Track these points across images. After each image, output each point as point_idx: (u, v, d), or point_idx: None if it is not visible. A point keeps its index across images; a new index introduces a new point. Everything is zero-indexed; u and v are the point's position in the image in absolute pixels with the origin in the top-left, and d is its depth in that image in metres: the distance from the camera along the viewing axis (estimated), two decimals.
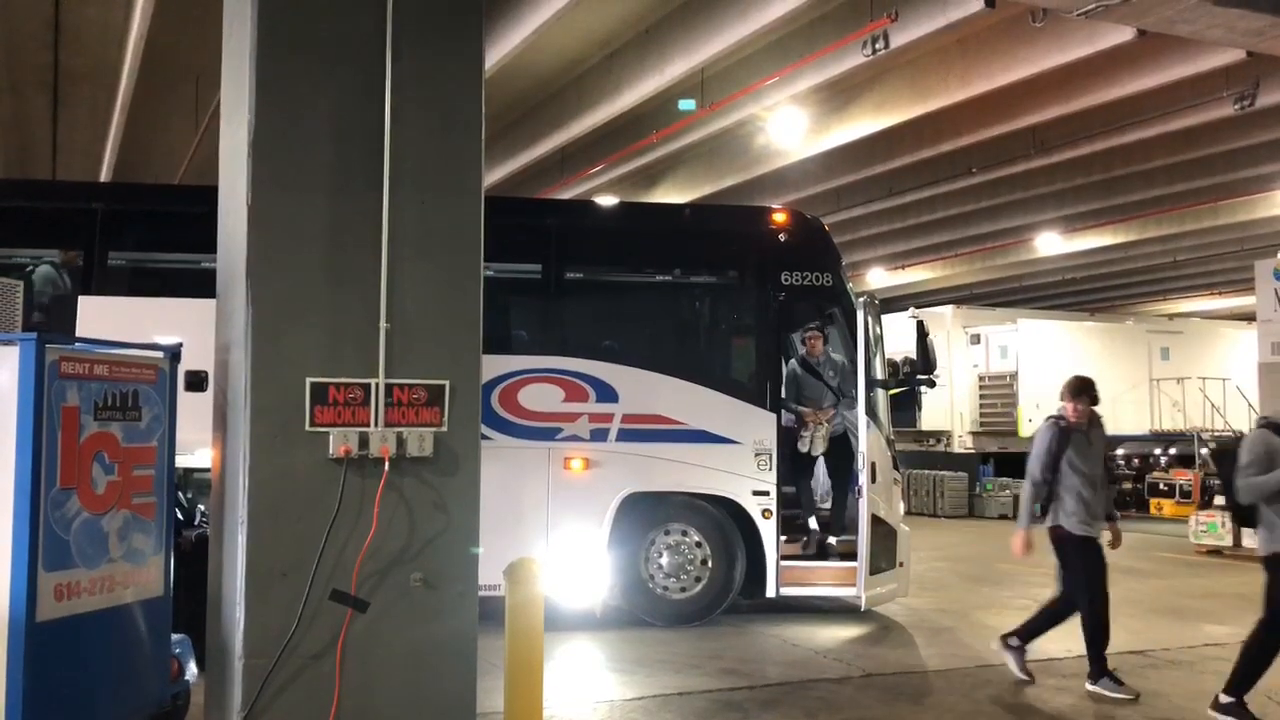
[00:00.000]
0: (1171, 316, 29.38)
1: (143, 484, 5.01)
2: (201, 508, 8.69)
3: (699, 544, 9.37)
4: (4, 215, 9.16)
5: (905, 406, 14.53)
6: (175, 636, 5.43)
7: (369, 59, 4.42)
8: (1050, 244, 23.33)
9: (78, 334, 7.72)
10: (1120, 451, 22.96)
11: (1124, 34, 11.28)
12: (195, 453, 6.16)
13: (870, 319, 9.37)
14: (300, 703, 4.17)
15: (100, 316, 8.21)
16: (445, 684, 4.38)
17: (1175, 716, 6.61)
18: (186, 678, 5.54)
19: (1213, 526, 15.37)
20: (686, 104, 13.87)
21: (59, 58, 13.88)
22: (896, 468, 10.02)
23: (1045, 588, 11.88)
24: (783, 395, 9.64)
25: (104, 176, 16.70)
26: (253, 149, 4.28)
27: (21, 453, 4.44)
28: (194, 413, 5.83)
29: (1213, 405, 21.23)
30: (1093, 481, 7.27)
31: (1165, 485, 21.25)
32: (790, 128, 15.07)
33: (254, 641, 4.15)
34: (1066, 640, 8.89)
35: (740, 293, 10.11)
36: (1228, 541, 15.08)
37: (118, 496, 4.85)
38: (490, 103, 4.87)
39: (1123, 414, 21.42)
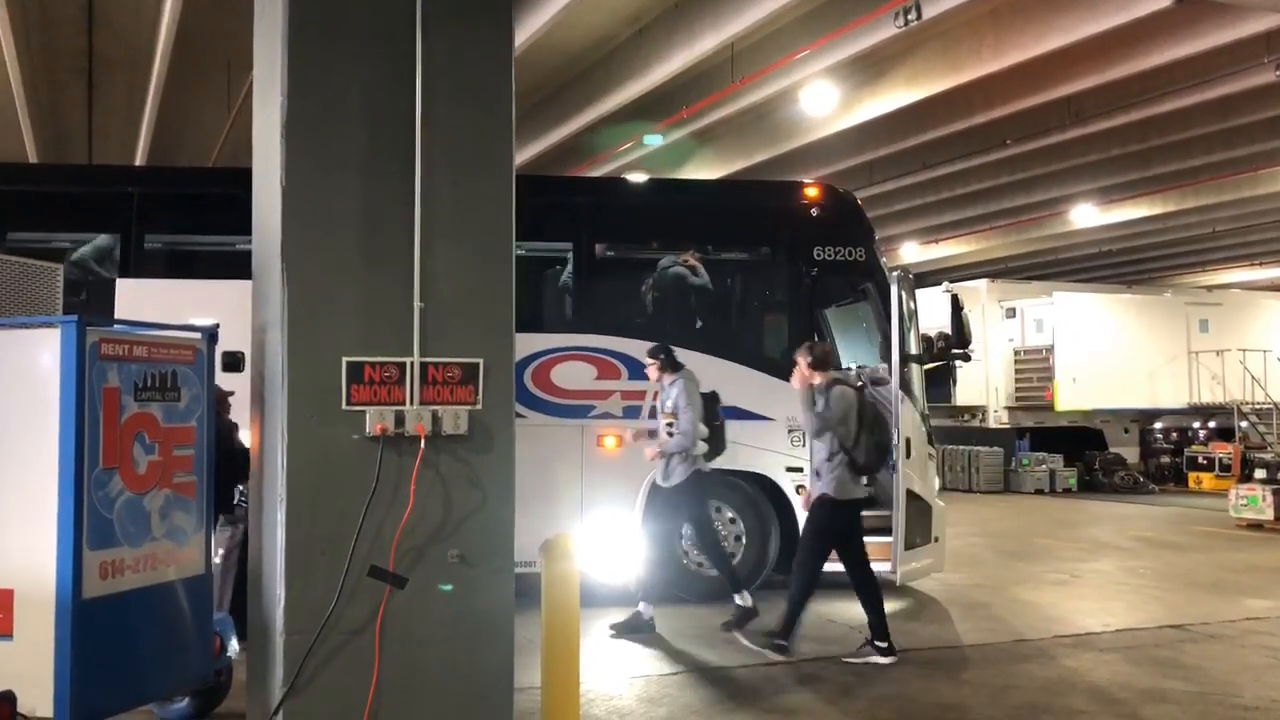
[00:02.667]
0: (1210, 288, 29.01)
1: (183, 464, 5.08)
2: (240, 487, 8.80)
3: (732, 520, 9.39)
4: (42, 200, 9.28)
5: (940, 381, 14.45)
6: (217, 614, 5.52)
7: (399, 39, 4.43)
8: (1086, 216, 23.05)
9: (116, 316, 7.83)
10: (1158, 425, 22.77)
11: (1160, 0, 11.09)
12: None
13: (904, 294, 9.31)
14: (341, 677, 4.23)
15: (138, 299, 8.32)
16: (483, 659, 4.42)
17: (1214, 690, 6.57)
18: (229, 654, 5.64)
19: (1253, 500, 15.19)
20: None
21: (93, 43, 14.00)
22: (931, 443, 9.97)
23: (1081, 562, 11.86)
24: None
25: (139, 160, 16.85)
26: (285, 131, 4.30)
27: (65, 434, 4.51)
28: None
29: (1253, 378, 20.95)
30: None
31: (1204, 459, 21.06)
32: (822, 101, 14.96)
33: (295, 617, 4.20)
34: (1104, 615, 8.86)
35: (773, 268, 10.06)
36: (1269, 515, 14.91)
37: (159, 476, 4.92)
38: (519, 81, 4.86)
39: (1161, 387, 21.23)
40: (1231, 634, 8.19)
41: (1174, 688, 6.61)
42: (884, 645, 7.18)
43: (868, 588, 7.31)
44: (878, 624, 7.21)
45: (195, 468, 5.15)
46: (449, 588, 4.36)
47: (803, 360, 7.32)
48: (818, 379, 7.28)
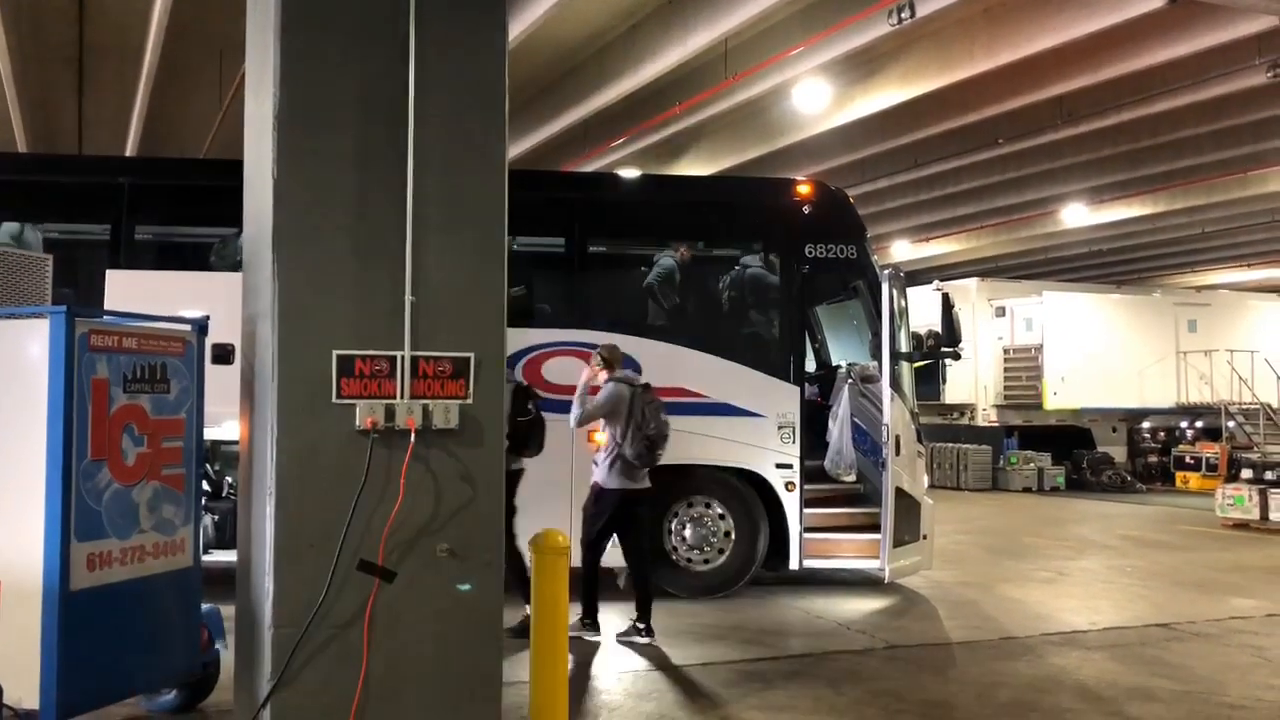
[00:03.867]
0: (1199, 289, 29.10)
1: (172, 456, 5.07)
2: (229, 480, 8.80)
3: (722, 516, 9.40)
4: (32, 190, 9.23)
5: (929, 379, 14.50)
6: (205, 606, 5.51)
7: (393, 31, 4.42)
8: (1077, 215, 23.11)
9: (106, 307, 7.80)
10: (1146, 424, 22.86)
11: (1153, 1, 11.11)
12: (223, 425, 6.24)
13: (895, 292, 9.33)
14: (329, 671, 4.23)
15: (128, 290, 8.29)
16: (472, 652, 4.42)
17: (1200, 688, 6.60)
18: (216, 647, 5.63)
19: (1240, 500, 15.27)
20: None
21: (84, 33, 13.93)
22: (920, 440, 10.00)
23: (1069, 560, 11.90)
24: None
25: (130, 151, 16.78)
26: (277, 122, 4.29)
27: (53, 425, 4.50)
28: (222, 385, 5.90)
29: (1240, 378, 21.04)
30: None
31: (1192, 458, 21.16)
32: (814, 99, 14.95)
33: (283, 611, 4.20)
34: (1091, 613, 8.90)
35: (764, 265, 10.07)
36: (1255, 515, 14.99)
37: (147, 468, 4.92)
38: (513, 75, 4.85)
39: (1149, 387, 21.31)
40: (1217, 633, 8.24)
41: (1160, 686, 6.65)
42: (643, 626, 7.57)
43: (640, 576, 7.73)
44: (644, 608, 7.60)
45: (184, 460, 5.15)
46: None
47: (595, 358, 7.88)
48: (603, 376, 7.75)
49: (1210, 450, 20.87)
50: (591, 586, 7.68)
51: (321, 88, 4.38)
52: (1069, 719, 5.97)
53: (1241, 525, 15.02)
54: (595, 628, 7.66)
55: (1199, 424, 22.59)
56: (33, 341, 4.58)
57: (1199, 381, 21.41)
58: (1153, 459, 22.73)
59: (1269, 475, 15.46)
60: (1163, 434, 22.97)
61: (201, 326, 5.31)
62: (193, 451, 5.20)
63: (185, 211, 9.52)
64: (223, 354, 6.98)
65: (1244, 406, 20.98)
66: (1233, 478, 16.76)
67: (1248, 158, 18.56)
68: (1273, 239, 25.75)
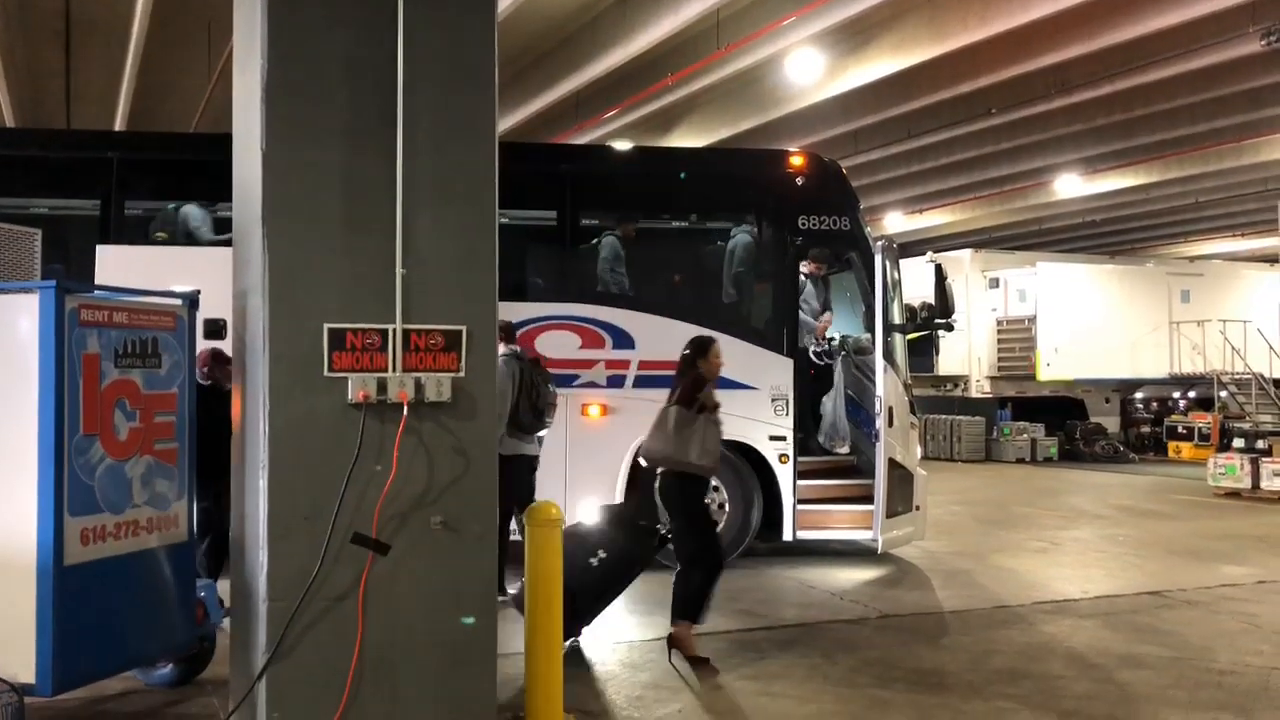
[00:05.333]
0: (1192, 259, 29.13)
1: (164, 430, 5.07)
2: None
3: (716, 488, 9.42)
4: (20, 164, 9.18)
5: (923, 351, 14.50)
6: (200, 581, 5.53)
7: (381, 2, 4.38)
8: (1070, 186, 23.08)
9: (96, 282, 7.78)
10: (1139, 394, 22.93)
11: None
12: None
13: (888, 263, 9.32)
14: (324, 644, 4.24)
15: (119, 265, 8.27)
16: (466, 625, 4.43)
17: (1190, 655, 6.66)
18: (212, 620, 5.65)
19: (1231, 469, 15.35)
20: None
21: (70, 6, 13.80)
22: (914, 412, 10.02)
23: (1061, 530, 11.96)
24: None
25: (118, 125, 16.67)
26: (266, 96, 4.25)
27: (44, 400, 4.50)
28: None
29: (1233, 348, 21.09)
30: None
31: (1184, 428, 21.25)
32: (807, 69, 14.88)
33: (278, 584, 4.20)
34: (1083, 582, 8.96)
35: (757, 237, 10.05)
36: (1246, 484, 15.08)
37: (140, 443, 4.92)
38: (503, 47, 4.82)
39: (1142, 357, 21.36)
40: (1207, 600, 8.30)
41: (1150, 653, 6.70)
42: (503, 599, 7.24)
43: (506, 540, 7.63)
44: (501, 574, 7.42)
45: (177, 434, 5.15)
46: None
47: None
48: (502, 349, 7.73)
49: (1203, 420, 20.95)
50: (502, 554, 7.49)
51: (310, 59, 4.33)
52: (1061, 686, 6.02)
53: (1233, 494, 15.11)
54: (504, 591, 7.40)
55: (1191, 394, 22.67)
56: (23, 317, 4.57)
57: (1192, 351, 21.47)
58: (1145, 429, 22.82)
59: (1260, 444, 15.55)
60: (1155, 404, 23.05)
61: (193, 301, 5.30)
62: (185, 426, 5.20)
63: (175, 186, 9.47)
64: (214, 329, 6.97)
65: (1236, 376, 21.04)
66: (1225, 447, 16.84)
67: (1241, 126, 18.53)
68: (1266, 208, 25.72)
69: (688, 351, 6.76)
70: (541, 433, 8.15)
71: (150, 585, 5.03)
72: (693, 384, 6.56)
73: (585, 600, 6.51)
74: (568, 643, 6.49)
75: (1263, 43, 13.17)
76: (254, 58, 4.34)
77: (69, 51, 14.99)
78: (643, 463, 6.81)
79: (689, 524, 6.58)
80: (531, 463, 8.08)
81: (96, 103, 16.34)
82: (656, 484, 6.64)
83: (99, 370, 4.70)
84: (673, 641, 6.45)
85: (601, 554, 6.64)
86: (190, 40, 14.27)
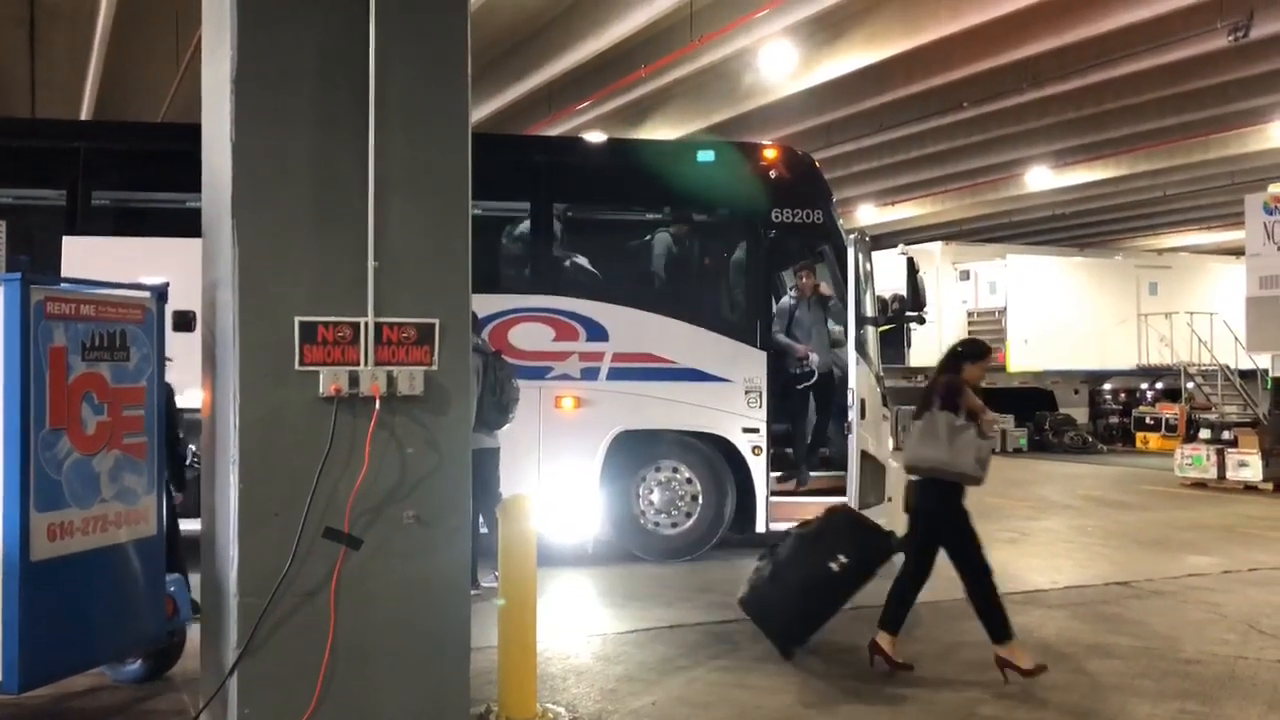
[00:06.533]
0: (1160, 251, 29.39)
1: (133, 424, 5.02)
2: (192, 448, 8.71)
3: (689, 480, 9.44)
4: None
5: (894, 343, 14.57)
6: (170, 575, 5.48)
7: None
8: (1040, 179, 23.24)
9: (62, 274, 7.67)
10: (1108, 386, 23.15)
11: None
12: (184, 393, 6.17)
13: (860, 256, 9.34)
14: (296, 639, 4.21)
15: (85, 257, 8.16)
16: (440, 619, 4.42)
17: (1157, 644, 6.73)
18: (182, 616, 5.60)
19: (1198, 460, 15.54)
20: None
21: None
22: (886, 404, 10.06)
23: (1031, 520, 12.05)
24: (774, 330, 9.65)
25: (84, 114, 16.45)
26: (236, 85, 4.20)
27: (9, 394, 4.44)
28: (183, 353, 5.83)
29: (1200, 340, 21.33)
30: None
31: (1152, 419, 21.49)
32: (780, 62, 14.89)
33: (248, 580, 4.17)
34: (1053, 573, 9.04)
35: (730, 230, 10.05)
36: (1212, 474, 15.27)
37: (108, 437, 4.86)
38: (475, 37, 4.79)
39: (1111, 349, 21.56)
40: (1174, 590, 8.40)
41: (1119, 643, 6.77)
42: (476, 591, 7.21)
43: (475, 533, 7.41)
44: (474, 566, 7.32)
45: (146, 428, 5.09)
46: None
47: None
48: None
49: (1170, 411, 21.19)
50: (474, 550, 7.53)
51: (280, 49, 4.29)
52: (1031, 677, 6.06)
53: (1199, 484, 15.29)
54: (477, 585, 7.39)
55: (1159, 385, 22.91)
56: None
57: (1159, 343, 21.69)
58: (1114, 420, 23.06)
59: (1226, 435, 15.74)
60: (1124, 395, 23.28)
61: (161, 293, 5.24)
62: (154, 420, 5.14)
63: (142, 176, 9.36)
64: (184, 321, 6.90)
65: (1203, 368, 21.28)
66: (1191, 438, 17.04)
67: (1209, 121, 18.71)
68: (1232, 201, 25.93)
69: (959, 350, 6.36)
70: (504, 427, 8.12)
71: (119, 581, 4.98)
72: (952, 388, 6.13)
73: (822, 603, 6.35)
74: (787, 648, 6.34)
75: (1230, 38, 13.29)
76: (223, 47, 4.29)
77: (33, 39, 14.77)
78: (911, 475, 6.30)
79: (959, 534, 6.19)
80: (494, 456, 8.04)
81: (61, 91, 16.10)
82: (914, 492, 6.25)
83: (66, 363, 4.64)
84: (879, 654, 6.11)
85: (843, 558, 6.36)
86: (157, 29, 14.09)
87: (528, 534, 5.25)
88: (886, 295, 10.23)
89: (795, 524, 6.97)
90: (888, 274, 11.09)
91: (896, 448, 9.75)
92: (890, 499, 9.79)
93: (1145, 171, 22.38)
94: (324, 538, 4.22)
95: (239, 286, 4.19)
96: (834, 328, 9.82)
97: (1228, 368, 20.73)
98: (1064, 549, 10.32)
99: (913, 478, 6.25)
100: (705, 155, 10.28)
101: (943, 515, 6.17)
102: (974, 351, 6.35)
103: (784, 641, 6.39)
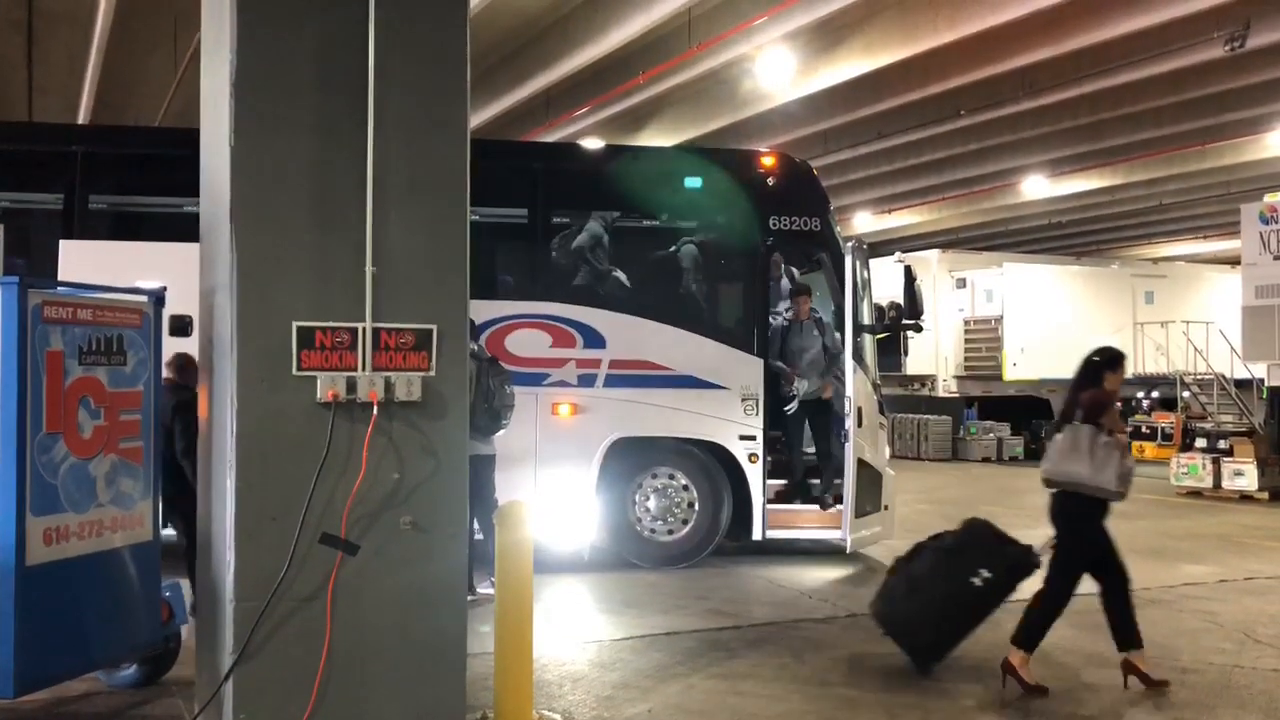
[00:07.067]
0: (1156, 260, 29.45)
1: (130, 428, 5.01)
2: None
3: (686, 487, 9.44)
4: None
5: (890, 351, 14.58)
6: (166, 581, 5.47)
7: None
8: (1037, 187, 23.28)
9: (59, 278, 7.66)
10: None
11: None
12: None
13: (858, 264, 9.36)
14: (292, 644, 4.20)
15: (82, 261, 8.16)
16: (436, 625, 4.41)
17: (1153, 653, 6.70)
18: (177, 621, 5.59)
19: (1194, 469, 15.55)
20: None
21: None
22: (882, 412, 10.07)
23: (1027, 529, 12.01)
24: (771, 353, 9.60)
25: (82, 119, 16.44)
26: (235, 90, 4.21)
27: (5, 398, 4.43)
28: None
29: (1195, 349, 21.36)
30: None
31: (1148, 428, 21.48)
32: (779, 69, 14.90)
33: (245, 585, 4.16)
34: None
35: (728, 237, 10.06)
36: (1208, 483, 15.28)
37: (105, 441, 4.85)
38: (474, 43, 4.79)
39: None
40: (1170, 599, 8.39)
41: (1115, 651, 6.75)
42: (472, 597, 7.15)
43: (471, 540, 7.26)
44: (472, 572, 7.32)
45: (142, 433, 5.09)
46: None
47: None
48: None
49: (1165, 420, 21.21)
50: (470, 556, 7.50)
51: (280, 54, 4.29)
52: None
53: (1195, 493, 15.30)
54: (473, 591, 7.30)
55: (1155, 394, 22.92)
56: None
57: (1155, 352, 21.72)
58: None
59: (1222, 444, 15.75)
60: (1119, 404, 23.28)
61: (158, 298, 5.23)
62: (151, 424, 5.14)
63: (140, 181, 9.36)
64: (180, 326, 6.90)
65: (1199, 377, 21.29)
66: (1187, 447, 17.06)
67: (1205, 130, 18.76)
68: (1228, 211, 26.01)
69: (1096, 359, 6.27)
70: (498, 434, 8.11)
71: (114, 585, 4.97)
72: (1096, 402, 6.07)
73: (963, 619, 6.20)
74: (926, 665, 6.20)
75: (1226, 48, 13.32)
76: (223, 52, 4.30)
77: (31, 43, 14.77)
78: (1050, 489, 6.17)
79: (1087, 551, 6.10)
80: (489, 462, 8.03)
81: (59, 95, 16.10)
82: (1053, 505, 6.13)
83: (62, 368, 4.63)
84: (1011, 674, 5.94)
85: (985, 573, 6.19)
86: (155, 33, 14.09)
87: (524, 540, 5.24)
88: (884, 303, 10.24)
89: (931, 536, 6.72)
90: (885, 282, 11.11)
91: (893, 455, 9.75)
92: (887, 507, 9.80)
93: (1141, 180, 22.43)
94: (321, 543, 4.21)
95: (237, 291, 4.19)
96: (832, 348, 9.70)
97: (1223, 377, 20.75)
98: None
99: (1052, 491, 6.14)
100: (702, 162, 10.32)
101: (1081, 529, 6.07)
102: (1112, 360, 6.24)
103: (923, 658, 6.25)
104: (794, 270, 10.32)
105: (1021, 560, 6.27)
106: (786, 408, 9.64)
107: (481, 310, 8.60)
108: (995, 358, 21.08)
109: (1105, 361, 6.22)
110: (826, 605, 8.01)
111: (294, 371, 4.23)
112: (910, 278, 10.20)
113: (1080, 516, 6.04)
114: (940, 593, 6.24)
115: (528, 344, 9.09)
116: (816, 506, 9.53)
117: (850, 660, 6.49)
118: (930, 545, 6.60)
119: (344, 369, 4.27)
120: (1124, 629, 6.08)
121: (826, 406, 9.59)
